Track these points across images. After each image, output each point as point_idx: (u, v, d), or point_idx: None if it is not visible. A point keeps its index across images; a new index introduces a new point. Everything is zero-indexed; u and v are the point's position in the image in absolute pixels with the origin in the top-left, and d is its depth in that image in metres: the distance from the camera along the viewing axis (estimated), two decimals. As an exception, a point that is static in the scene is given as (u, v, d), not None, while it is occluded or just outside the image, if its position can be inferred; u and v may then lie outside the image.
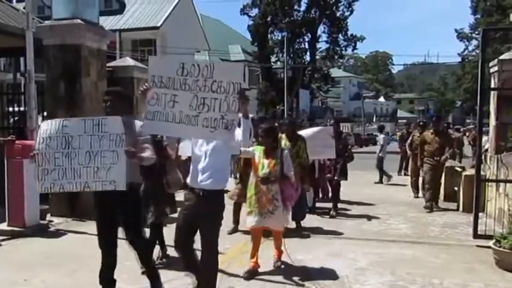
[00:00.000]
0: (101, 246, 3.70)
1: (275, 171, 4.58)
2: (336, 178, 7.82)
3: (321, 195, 9.03)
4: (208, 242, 3.59)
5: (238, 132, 3.48)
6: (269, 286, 4.39)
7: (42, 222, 6.44)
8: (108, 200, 3.56)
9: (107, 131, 3.49)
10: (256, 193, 4.61)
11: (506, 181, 6.04)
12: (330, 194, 8.56)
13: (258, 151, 4.69)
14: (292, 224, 6.27)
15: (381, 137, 13.21)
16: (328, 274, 4.68)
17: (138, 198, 3.77)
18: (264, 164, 4.60)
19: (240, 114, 3.43)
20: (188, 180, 3.72)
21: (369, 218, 7.54)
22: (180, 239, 3.70)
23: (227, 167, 3.84)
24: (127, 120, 3.59)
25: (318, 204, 8.11)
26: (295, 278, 4.55)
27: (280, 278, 4.58)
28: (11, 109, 8.52)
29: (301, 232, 6.37)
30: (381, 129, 14.26)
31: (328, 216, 7.54)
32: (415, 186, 9.84)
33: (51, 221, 6.71)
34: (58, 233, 6.26)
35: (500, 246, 4.87)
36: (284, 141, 6.31)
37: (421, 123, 10.36)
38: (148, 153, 3.60)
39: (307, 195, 7.75)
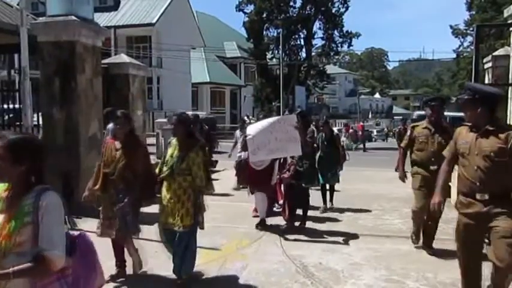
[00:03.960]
0: None
1: (19, 246, 1.93)
2: (298, 182, 6.18)
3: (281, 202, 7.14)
4: None
5: None
6: (265, 282, 4.41)
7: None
8: None
9: None
10: None
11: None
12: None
13: None
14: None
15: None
16: (324, 269, 4.71)
17: None
18: None
19: None
20: None
21: (364, 213, 7.57)
22: None
23: None
24: None
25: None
26: (291, 274, 4.58)
27: (276, 273, 4.60)
28: (5, 106, 8.50)
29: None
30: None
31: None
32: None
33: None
34: (54, 230, 6.26)
35: (493, 241, 4.91)
36: (171, 151, 4.28)
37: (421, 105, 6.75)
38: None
39: (260, 204, 6.39)
